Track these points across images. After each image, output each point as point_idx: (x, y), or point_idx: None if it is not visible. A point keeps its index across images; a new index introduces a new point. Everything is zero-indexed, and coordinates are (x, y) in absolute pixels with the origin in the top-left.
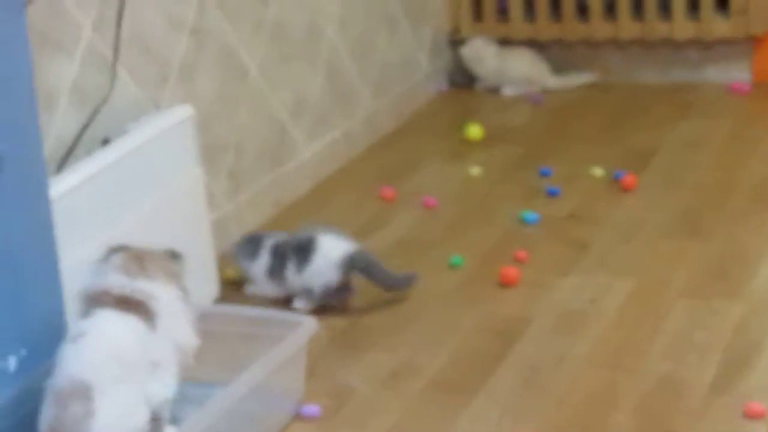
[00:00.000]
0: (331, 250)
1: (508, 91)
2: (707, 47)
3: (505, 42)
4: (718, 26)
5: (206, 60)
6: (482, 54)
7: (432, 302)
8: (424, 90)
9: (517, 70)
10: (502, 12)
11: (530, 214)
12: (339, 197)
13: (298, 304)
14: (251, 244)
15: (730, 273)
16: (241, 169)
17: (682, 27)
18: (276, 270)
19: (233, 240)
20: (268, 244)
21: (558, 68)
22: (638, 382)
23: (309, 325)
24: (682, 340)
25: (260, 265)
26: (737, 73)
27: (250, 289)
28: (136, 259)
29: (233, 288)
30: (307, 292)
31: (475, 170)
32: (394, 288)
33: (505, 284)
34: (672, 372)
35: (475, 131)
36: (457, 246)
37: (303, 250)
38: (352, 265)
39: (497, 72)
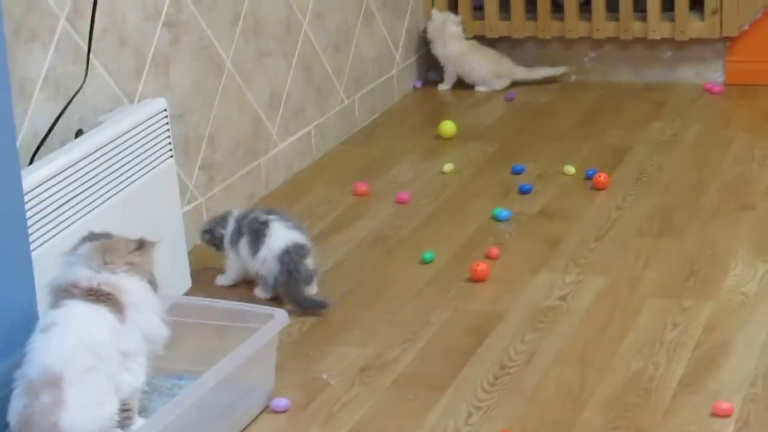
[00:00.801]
0: (276, 240)
1: (481, 89)
2: (681, 47)
3: (480, 39)
4: (692, 26)
5: (181, 53)
6: (447, 30)
7: (403, 297)
8: (398, 86)
9: (482, 68)
10: (478, 9)
11: (502, 211)
12: (313, 191)
13: (258, 292)
14: (221, 217)
15: (701, 272)
16: (215, 162)
17: (656, 26)
18: (235, 241)
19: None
20: (234, 215)
21: (532, 66)
22: (608, 380)
23: (280, 318)
24: (652, 338)
25: (228, 233)
26: (711, 74)
27: (219, 281)
28: (100, 251)
29: (205, 280)
30: (263, 279)
31: (449, 167)
32: (302, 306)
33: (476, 280)
34: (641, 370)
35: (448, 128)
36: (429, 241)
37: (256, 233)
38: (285, 257)
39: (458, 59)
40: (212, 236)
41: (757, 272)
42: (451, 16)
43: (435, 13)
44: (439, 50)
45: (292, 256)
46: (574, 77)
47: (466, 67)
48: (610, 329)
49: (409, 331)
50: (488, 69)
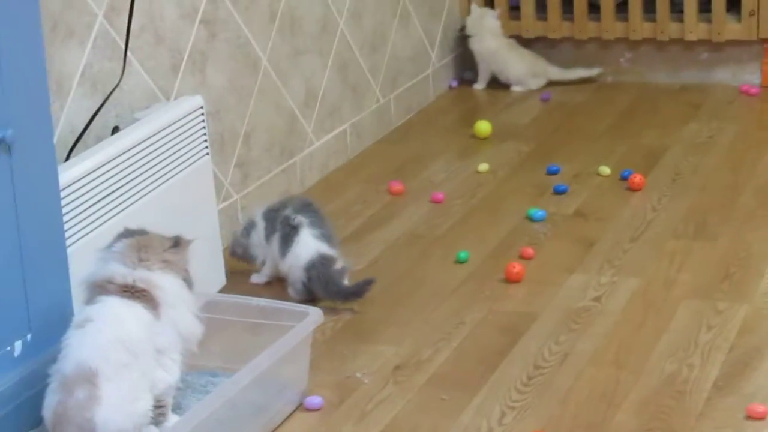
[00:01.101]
0: (303, 249)
1: (517, 88)
2: (718, 48)
3: (516, 39)
4: (729, 28)
5: (218, 50)
6: (486, 24)
7: (438, 297)
8: (434, 85)
9: (517, 66)
10: (515, 9)
11: (537, 212)
12: (347, 190)
13: (291, 292)
14: (244, 228)
15: (736, 274)
16: (251, 160)
17: (693, 27)
18: (269, 236)
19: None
20: (260, 213)
21: (568, 67)
22: (642, 382)
23: (314, 316)
24: (686, 341)
25: (258, 231)
26: (747, 76)
27: (255, 279)
28: (136, 248)
29: (240, 278)
30: (292, 284)
31: (484, 167)
32: (349, 299)
33: (510, 280)
34: (676, 372)
35: (483, 128)
36: (464, 241)
37: (286, 237)
38: (312, 270)
39: (494, 55)
40: (239, 250)
41: None
42: (489, 11)
43: (474, 7)
44: (475, 45)
45: (318, 268)
46: (610, 78)
47: (501, 64)
48: (645, 331)
49: (443, 331)
50: (524, 68)
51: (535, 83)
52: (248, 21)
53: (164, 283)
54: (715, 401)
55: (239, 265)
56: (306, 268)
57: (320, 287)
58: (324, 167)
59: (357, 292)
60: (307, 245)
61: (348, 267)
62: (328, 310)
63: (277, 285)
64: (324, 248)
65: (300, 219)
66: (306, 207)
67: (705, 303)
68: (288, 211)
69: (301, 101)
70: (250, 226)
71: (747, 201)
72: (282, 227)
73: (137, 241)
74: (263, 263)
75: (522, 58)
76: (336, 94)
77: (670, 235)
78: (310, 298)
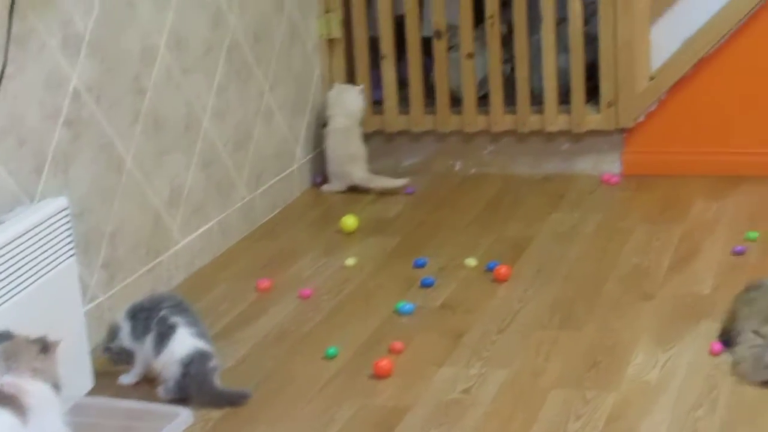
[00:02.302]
0: (180, 346)
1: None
2: (579, 139)
3: (380, 134)
4: (588, 118)
5: (81, 151)
6: (346, 96)
7: (308, 394)
8: (299, 181)
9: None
10: (377, 103)
11: (405, 305)
12: (215, 288)
13: (162, 392)
14: (111, 331)
15: (603, 363)
16: (117, 260)
17: (553, 119)
18: (140, 336)
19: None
20: (126, 310)
21: (430, 159)
22: None
23: (185, 416)
24: (555, 430)
25: (126, 331)
26: (608, 165)
27: (124, 379)
28: (4, 357)
29: (108, 379)
30: (165, 382)
31: (351, 261)
32: (221, 405)
33: (380, 375)
34: None
35: (350, 222)
36: (332, 337)
37: (161, 335)
38: (189, 366)
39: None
40: (112, 353)
41: (658, 361)
42: (350, 87)
43: (336, 84)
44: (335, 115)
45: (195, 364)
46: (473, 170)
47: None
48: (514, 422)
49: (314, 429)
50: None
51: (338, 184)
52: (112, 121)
53: (33, 388)
54: None
55: (107, 366)
56: (183, 363)
57: (195, 385)
58: (191, 265)
59: (231, 401)
60: (184, 342)
61: (219, 366)
62: (198, 411)
63: (146, 385)
64: (201, 344)
65: (176, 318)
66: (179, 305)
67: (573, 392)
68: (164, 311)
69: (166, 200)
70: (117, 326)
71: (611, 289)
72: (157, 326)
73: (4, 349)
74: (133, 363)
75: (346, 148)
76: (201, 192)
77: (537, 326)
78: (181, 397)
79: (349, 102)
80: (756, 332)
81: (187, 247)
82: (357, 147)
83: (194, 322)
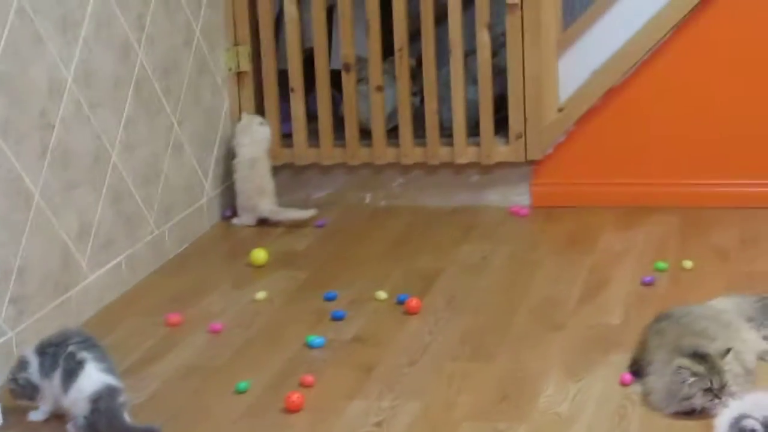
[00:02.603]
0: (88, 382)
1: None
2: (487, 171)
3: (289, 167)
4: (497, 150)
5: None
6: (253, 128)
7: (219, 429)
8: (208, 215)
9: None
10: (287, 137)
11: (316, 339)
12: (123, 323)
13: (71, 428)
14: (17, 366)
15: (514, 394)
16: (25, 295)
17: (462, 151)
18: (48, 372)
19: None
20: (33, 347)
21: (341, 192)
22: None
23: None
24: None
25: (34, 367)
26: (517, 197)
27: (33, 416)
28: None
29: (17, 417)
30: (75, 419)
31: (261, 295)
32: None
33: (290, 410)
34: None
35: (260, 256)
36: (243, 371)
37: (70, 372)
38: (99, 402)
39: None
40: (17, 386)
41: (569, 392)
42: (257, 118)
43: (244, 114)
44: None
45: (105, 400)
46: (383, 202)
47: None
48: None
49: None
50: (246, 193)
51: (247, 217)
52: (19, 155)
53: None
54: None
55: (15, 404)
56: (92, 399)
57: (104, 421)
58: (100, 300)
59: None
60: (92, 378)
61: (128, 401)
62: None
63: (55, 422)
64: (110, 380)
65: (84, 354)
66: (88, 341)
67: (485, 424)
68: (72, 347)
69: (74, 235)
70: (24, 363)
71: (521, 321)
72: (65, 362)
73: None
74: (36, 399)
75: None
76: (110, 226)
77: (448, 358)
78: None
79: (254, 131)
80: (666, 363)
81: (96, 282)
82: (265, 180)
83: (103, 357)
